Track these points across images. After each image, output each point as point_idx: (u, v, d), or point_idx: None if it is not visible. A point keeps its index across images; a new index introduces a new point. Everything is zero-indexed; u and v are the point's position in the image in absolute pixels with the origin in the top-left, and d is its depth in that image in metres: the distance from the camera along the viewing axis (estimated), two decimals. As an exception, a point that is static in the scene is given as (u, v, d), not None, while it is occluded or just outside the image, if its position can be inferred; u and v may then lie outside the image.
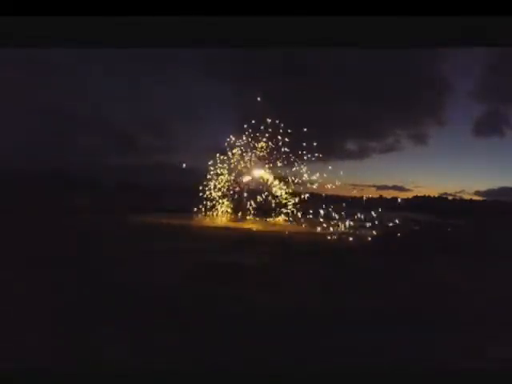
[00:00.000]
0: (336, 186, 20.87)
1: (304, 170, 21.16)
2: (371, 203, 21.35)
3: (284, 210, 20.87)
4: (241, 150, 21.04)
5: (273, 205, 20.91)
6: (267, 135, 20.88)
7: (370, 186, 22.46)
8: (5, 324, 5.35)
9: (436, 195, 23.35)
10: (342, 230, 18.83)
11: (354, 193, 21.52)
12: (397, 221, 20.15)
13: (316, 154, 20.87)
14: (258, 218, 20.76)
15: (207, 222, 19.50)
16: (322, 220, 19.90)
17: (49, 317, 5.78)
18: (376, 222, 20.15)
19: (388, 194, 22.72)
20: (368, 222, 20.20)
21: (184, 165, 20.10)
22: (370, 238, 16.52)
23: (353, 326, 6.00)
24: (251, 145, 21.11)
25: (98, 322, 5.67)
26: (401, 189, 22.65)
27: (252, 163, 21.15)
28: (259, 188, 21.23)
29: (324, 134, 21.73)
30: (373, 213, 20.55)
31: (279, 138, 20.85)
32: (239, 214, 20.82)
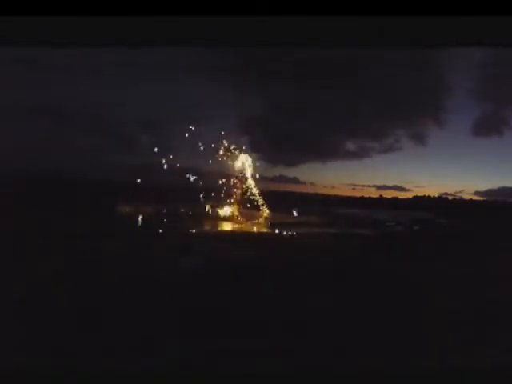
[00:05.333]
0: (335, 186, 20.86)
1: (304, 169, 21.10)
2: (371, 203, 21.38)
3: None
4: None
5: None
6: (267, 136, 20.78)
7: (369, 186, 22.47)
8: (4, 324, 5.35)
9: (436, 195, 23.36)
10: (342, 229, 18.83)
11: (354, 193, 21.54)
12: (397, 221, 20.17)
13: (316, 154, 20.86)
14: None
15: (208, 221, 19.46)
16: (321, 220, 19.89)
17: (49, 317, 5.78)
18: (376, 222, 20.16)
19: (388, 194, 22.69)
20: (368, 221, 20.21)
21: (192, 178, 19.61)
22: (369, 238, 16.51)
23: (352, 326, 6.00)
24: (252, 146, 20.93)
25: (98, 322, 5.67)
26: (401, 189, 22.64)
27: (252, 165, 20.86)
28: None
29: (324, 134, 21.73)
30: (373, 213, 20.57)
31: (279, 138, 20.78)
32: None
